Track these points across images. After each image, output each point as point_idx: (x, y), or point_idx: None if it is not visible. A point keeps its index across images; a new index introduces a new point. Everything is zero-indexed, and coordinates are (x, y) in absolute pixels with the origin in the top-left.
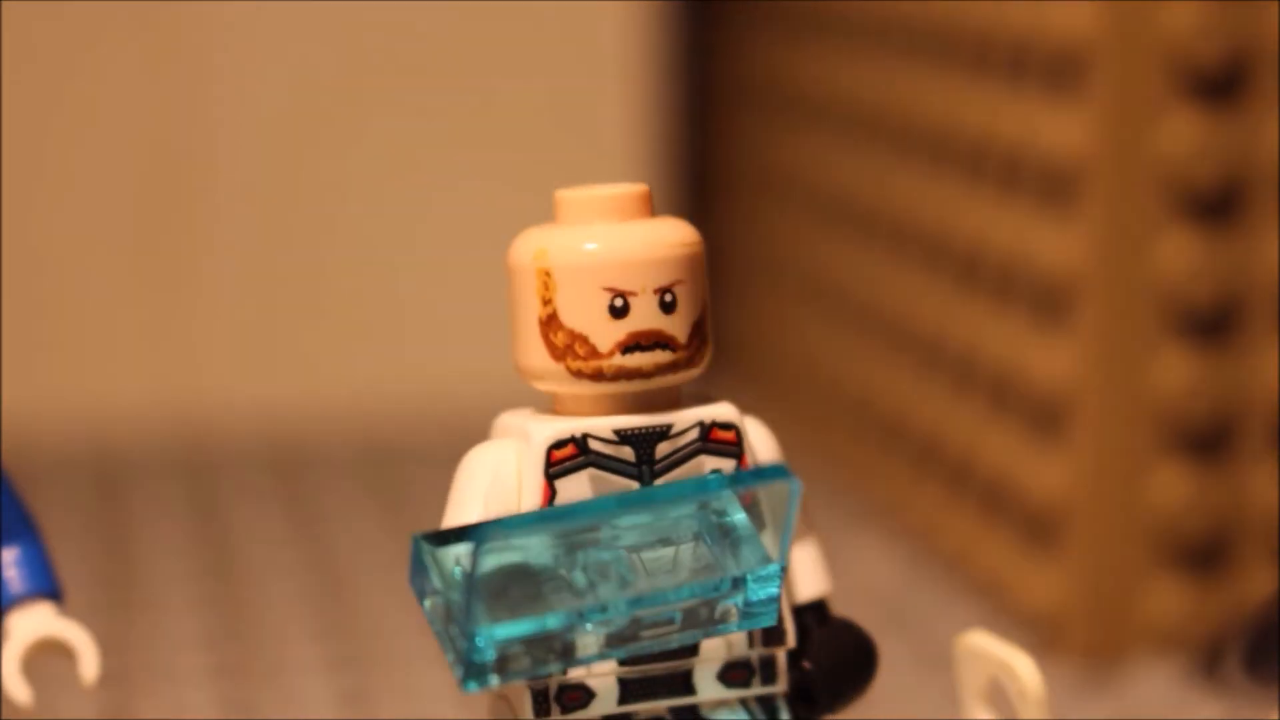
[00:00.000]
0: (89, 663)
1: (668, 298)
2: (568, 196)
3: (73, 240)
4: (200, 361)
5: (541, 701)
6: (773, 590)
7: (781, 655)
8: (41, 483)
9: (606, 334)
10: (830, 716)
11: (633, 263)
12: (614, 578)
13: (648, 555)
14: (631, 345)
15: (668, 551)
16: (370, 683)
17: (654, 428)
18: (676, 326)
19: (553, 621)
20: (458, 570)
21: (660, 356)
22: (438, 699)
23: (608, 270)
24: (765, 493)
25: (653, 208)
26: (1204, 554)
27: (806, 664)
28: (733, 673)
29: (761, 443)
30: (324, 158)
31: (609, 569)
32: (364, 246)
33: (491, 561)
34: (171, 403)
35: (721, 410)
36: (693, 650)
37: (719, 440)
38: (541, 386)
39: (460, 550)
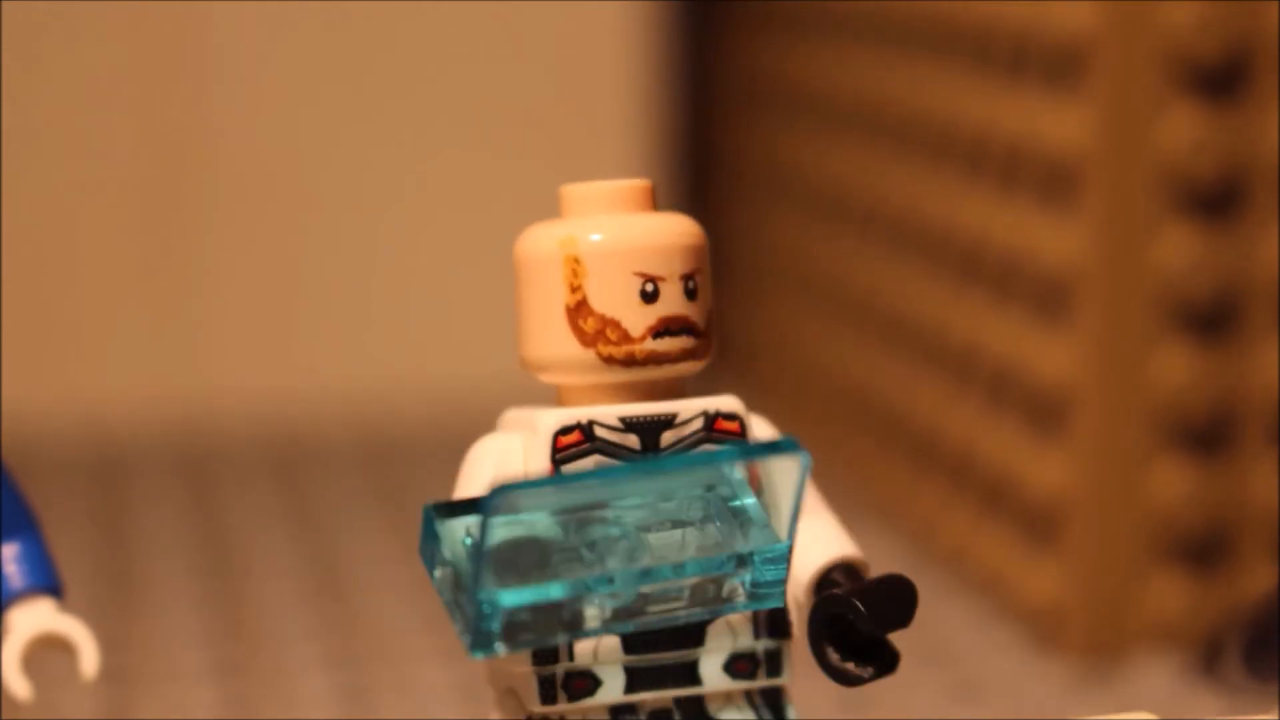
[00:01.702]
0: (89, 659)
1: (690, 285)
2: (574, 190)
3: (73, 236)
4: (201, 357)
5: (549, 689)
6: (781, 571)
7: (787, 647)
8: (42, 478)
9: (639, 318)
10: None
11: (662, 248)
12: (622, 552)
13: (656, 532)
14: (661, 330)
15: (677, 531)
16: (371, 680)
17: (659, 416)
18: (697, 313)
19: (559, 590)
20: (468, 539)
21: (685, 342)
22: (438, 697)
23: (640, 255)
24: (776, 468)
25: (655, 202)
26: (1204, 549)
27: (839, 591)
28: (738, 664)
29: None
30: (325, 155)
31: (617, 544)
32: (365, 242)
33: (501, 532)
34: (173, 398)
35: (726, 401)
36: (698, 640)
37: (723, 431)
38: (548, 378)
39: (470, 520)
